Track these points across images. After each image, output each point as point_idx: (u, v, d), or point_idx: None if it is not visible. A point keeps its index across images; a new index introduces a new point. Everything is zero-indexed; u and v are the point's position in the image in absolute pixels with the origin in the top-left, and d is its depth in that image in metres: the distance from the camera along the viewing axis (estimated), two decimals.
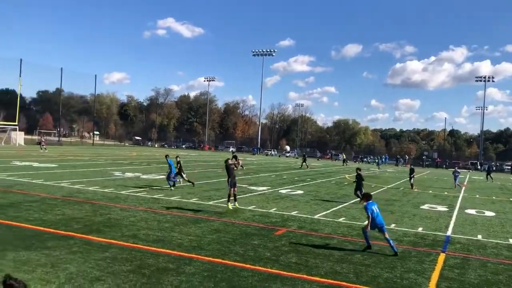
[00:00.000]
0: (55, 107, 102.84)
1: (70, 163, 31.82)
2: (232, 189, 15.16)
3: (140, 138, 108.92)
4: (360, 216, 15.03)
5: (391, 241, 10.11)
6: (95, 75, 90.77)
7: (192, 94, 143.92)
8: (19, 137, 62.70)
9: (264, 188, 22.58)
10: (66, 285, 6.76)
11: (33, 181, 19.66)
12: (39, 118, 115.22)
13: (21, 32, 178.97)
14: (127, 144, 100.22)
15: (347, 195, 21.58)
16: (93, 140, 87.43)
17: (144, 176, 24.89)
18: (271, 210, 15.43)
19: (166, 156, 21.22)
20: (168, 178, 19.86)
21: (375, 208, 10.24)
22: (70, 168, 27.49)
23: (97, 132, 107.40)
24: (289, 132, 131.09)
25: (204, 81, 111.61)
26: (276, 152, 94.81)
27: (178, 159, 20.85)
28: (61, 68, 75.96)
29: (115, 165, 32.11)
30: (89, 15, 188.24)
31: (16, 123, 62.12)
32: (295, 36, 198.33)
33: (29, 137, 71.44)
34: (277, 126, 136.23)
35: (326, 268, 8.66)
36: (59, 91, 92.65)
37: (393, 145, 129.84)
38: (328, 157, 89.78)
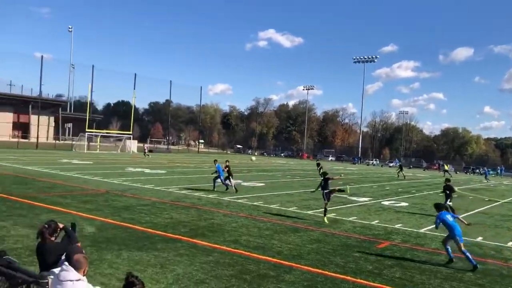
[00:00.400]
0: (164, 117, 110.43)
1: (177, 170, 33.82)
2: (327, 203, 14.99)
3: (241, 146, 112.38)
4: (470, 232, 13.91)
5: (467, 253, 9.62)
6: (201, 87, 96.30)
7: (291, 103, 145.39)
8: (133, 145, 68.29)
9: (365, 199, 21.94)
10: (174, 286, 7.18)
11: (145, 186, 21.23)
12: (150, 127, 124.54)
13: (135, 48, 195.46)
14: (229, 152, 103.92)
15: (457, 208, 20.11)
16: (198, 148, 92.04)
17: (245, 183, 25.56)
18: (373, 222, 14.94)
19: (215, 161, 22.33)
20: (217, 179, 20.96)
21: (449, 217, 9.89)
22: (178, 175, 29.21)
23: (202, 141, 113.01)
24: (392, 141, 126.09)
25: (303, 89, 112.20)
26: (378, 162, 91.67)
27: (227, 163, 21.44)
28: (170, 81, 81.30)
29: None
30: (195, 32, 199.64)
31: (131, 132, 67.71)
32: (399, 41, 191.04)
33: (141, 145, 77.41)
34: (379, 135, 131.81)
35: (433, 285, 8.15)
36: (168, 102, 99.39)
37: (510, 155, 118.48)
38: (435, 167, 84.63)
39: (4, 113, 73.42)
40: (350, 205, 19.09)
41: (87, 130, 62.41)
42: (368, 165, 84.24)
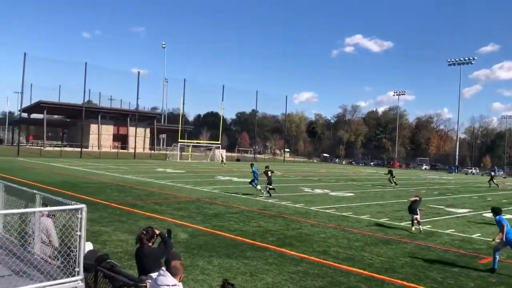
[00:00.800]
0: (251, 126, 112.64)
1: (264, 179, 34.19)
2: (415, 216, 14.30)
3: (327, 155, 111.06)
4: None
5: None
6: (286, 96, 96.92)
7: (380, 110, 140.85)
8: (221, 154, 70.54)
9: (465, 210, 20.50)
10: None
11: (233, 194, 21.75)
12: (237, 137, 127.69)
13: (223, 61, 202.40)
14: (315, 160, 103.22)
15: None
16: (284, 156, 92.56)
17: (333, 193, 25.17)
18: (474, 236, 13.90)
19: (252, 164, 24.35)
20: (252, 182, 22.21)
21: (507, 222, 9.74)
22: (265, 183, 29.52)
23: (288, 149, 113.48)
24: (493, 148, 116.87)
25: (393, 95, 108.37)
26: (478, 171, 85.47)
27: (267, 169, 22.38)
28: (256, 91, 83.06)
29: (304, 181, 33.30)
30: (279, 42, 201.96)
31: (219, 142, 70.11)
32: (500, 40, 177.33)
33: (229, 154, 79.91)
34: (478, 142, 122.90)
35: None
36: (254, 112, 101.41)
37: None
38: None
39: (106, 126, 79.69)
40: (447, 216, 17.96)
41: (179, 140, 65.74)
42: (466, 174, 78.81)
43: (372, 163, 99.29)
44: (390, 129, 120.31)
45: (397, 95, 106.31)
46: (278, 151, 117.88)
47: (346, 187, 29.60)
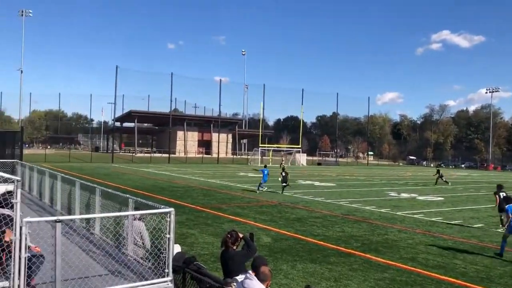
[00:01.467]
0: (331, 129, 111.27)
1: (347, 183, 33.62)
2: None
3: (414, 158, 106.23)
4: None
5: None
6: (368, 97, 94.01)
7: (471, 108, 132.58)
8: (302, 158, 70.39)
9: None
10: None
11: (315, 198, 21.58)
12: (318, 140, 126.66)
13: (302, 64, 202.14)
14: (401, 163, 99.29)
15: None
16: (368, 160, 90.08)
17: (421, 198, 24.06)
18: None
19: (265, 166, 27.87)
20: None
21: None
22: (347, 187, 29.01)
23: (371, 152, 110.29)
24: None
25: (486, 92, 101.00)
26: None
27: (283, 170, 24.45)
28: (337, 94, 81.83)
29: (389, 185, 32.18)
30: (359, 42, 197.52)
31: (300, 146, 70.00)
32: None
33: (310, 158, 79.31)
34: None
35: None
36: (335, 115, 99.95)
37: None
38: None
39: (191, 132, 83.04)
40: None
41: (260, 145, 66.70)
42: None
43: (463, 165, 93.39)
44: (483, 129, 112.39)
45: (490, 92, 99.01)
46: (361, 154, 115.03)
47: (434, 191, 28.13)
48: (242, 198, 20.92)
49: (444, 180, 34.83)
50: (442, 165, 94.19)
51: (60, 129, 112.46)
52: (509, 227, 10.50)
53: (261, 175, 25.02)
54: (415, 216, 16.88)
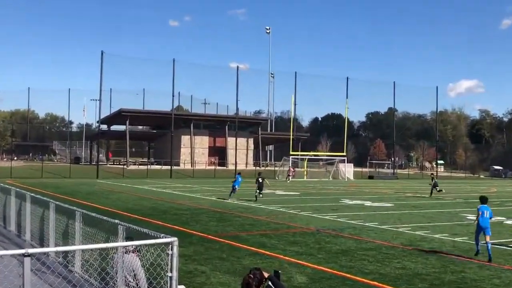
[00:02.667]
0: (387, 131, 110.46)
1: (408, 202, 33.27)
2: None
3: (500, 168, 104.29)
4: None
5: (489, 246, 14.22)
6: (436, 87, 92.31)
7: None
8: (347, 169, 69.91)
9: None
10: None
11: (366, 224, 21.42)
12: (369, 146, 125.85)
13: (342, 46, 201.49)
14: (482, 176, 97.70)
15: None
16: (437, 171, 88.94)
17: (509, 222, 23.63)
18: None
19: (239, 173, 36.42)
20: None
21: (486, 212, 14.82)
22: (410, 209, 28.70)
23: (441, 161, 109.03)
24: None
25: None
26: None
27: (259, 176, 32.23)
28: (394, 83, 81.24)
29: (466, 205, 31.71)
30: (421, 12, 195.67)
31: (344, 153, 69.63)
32: None
33: (358, 169, 78.38)
34: None
35: None
36: (391, 111, 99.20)
37: None
38: None
39: (200, 137, 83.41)
40: None
41: (291, 152, 66.73)
42: None
43: None
44: None
45: None
46: (427, 164, 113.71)
47: None
48: (268, 223, 20.93)
49: (437, 190, 39.04)
50: None
51: (30, 135, 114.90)
52: (477, 225, 14.93)
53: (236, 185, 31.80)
54: (502, 246, 16.64)
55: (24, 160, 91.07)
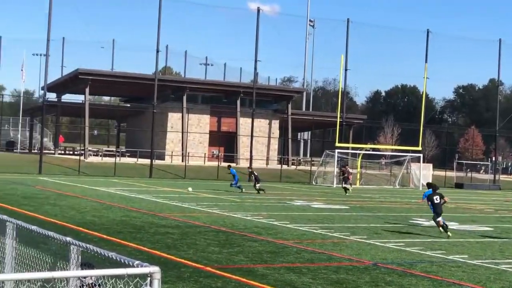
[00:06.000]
0: (486, 115, 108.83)
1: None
2: None
3: None
4: None
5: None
6: None
7: None
8: (423, 172, 68.78)
9: None
10: None
11: (449, 256, 21.32)
12: (458, 137, 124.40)
13: None
14: None
15: None
16: None
17: None
18: None
19: (229, 166, 46.56)
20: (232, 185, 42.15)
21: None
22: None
23: None
24: None
25: None
26: None
27: (250, 169, 43.56)
28: (499, 40, 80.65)
29: None
30: None
31: (419, 147, 68.56)
32: None
33: (441, 173, 75.97)
34: None
35: None
36: (494, 84, 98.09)
37: None
38: None
39: (197, 116, 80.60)
40: None
41: (337, 144, 66.07)
42: None
43: None
44: None
45: None
46: None
47: None
48: (299, 252, 20.86)
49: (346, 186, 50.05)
50: None
51: None
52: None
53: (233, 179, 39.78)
54: None
55: None
